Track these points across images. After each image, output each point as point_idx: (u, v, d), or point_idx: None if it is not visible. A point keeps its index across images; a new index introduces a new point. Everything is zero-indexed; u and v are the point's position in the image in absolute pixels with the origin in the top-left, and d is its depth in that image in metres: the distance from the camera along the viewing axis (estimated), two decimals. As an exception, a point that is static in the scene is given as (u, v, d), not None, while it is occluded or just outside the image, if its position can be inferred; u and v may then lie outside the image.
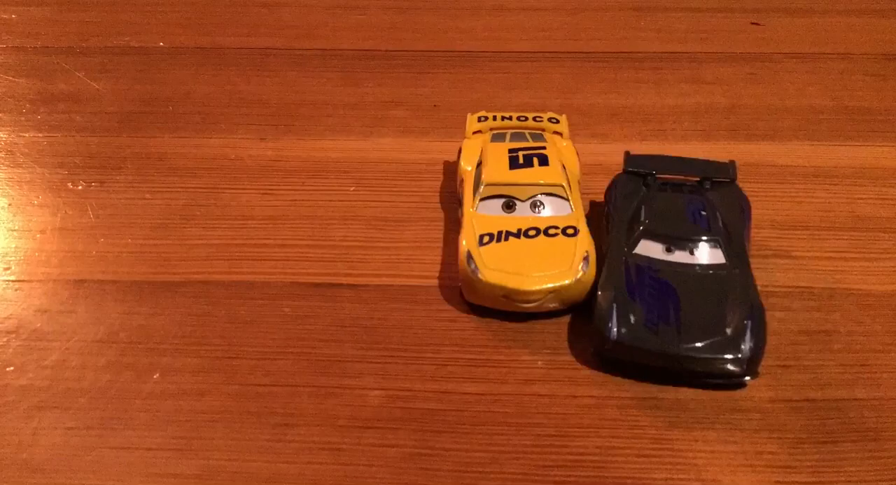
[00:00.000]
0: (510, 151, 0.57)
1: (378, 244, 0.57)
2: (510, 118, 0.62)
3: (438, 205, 0.62)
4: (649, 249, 0.50)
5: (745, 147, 0.68)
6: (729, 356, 0.44)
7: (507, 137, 0.60)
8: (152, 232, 0.59)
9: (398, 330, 0.51)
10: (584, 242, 0.51)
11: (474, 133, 0.62)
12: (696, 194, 0.54)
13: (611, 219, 0.54)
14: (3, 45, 0.88)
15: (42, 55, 0.86)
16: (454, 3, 0.95)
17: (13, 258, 0.57)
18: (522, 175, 0.54)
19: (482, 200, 0.53)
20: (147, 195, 0.63)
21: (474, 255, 0.50)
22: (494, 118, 0.62)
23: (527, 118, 0.62)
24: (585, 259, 0.50)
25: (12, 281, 0.55)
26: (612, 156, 0.67)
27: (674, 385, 0.46)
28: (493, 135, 0.60)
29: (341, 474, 0.42)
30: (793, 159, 0.67)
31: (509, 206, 0.53)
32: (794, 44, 0.86)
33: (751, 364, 0.45)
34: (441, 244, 0.58)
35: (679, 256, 0.49)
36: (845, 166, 0.66)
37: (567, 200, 0.53)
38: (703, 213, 0.52)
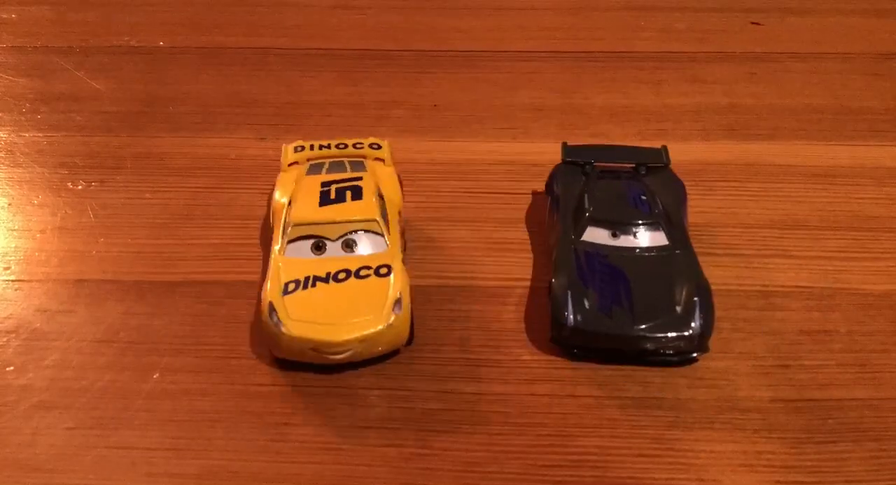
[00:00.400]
0: (323, 184, 0.52)
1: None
2: (328, 147, 0.58)
3: (437, 205, 0.62)
4: (596, 235, 0.52)
5: (744, 147, 0.68)
6: (681, 334, 0.46)
7: (325, 167, 0.55)
8: (152, 232, 0.59)
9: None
10: (398, 283, 0.47)
11: (290, 165, 0.57)
12: (633, 181, 0.56)
13: (555, 208, 0.55)
14: (4, 44, 0.88)
15: (42, 55, 0.86)
16: (454, 3, 0.95)
17: (13, 258, 0.57)
18: (332, 212, 0.50)
19: (291, 242, 0.49)
20: (147, 195, 0.63)
21: (277, 306, 0.46)
22: (312, 148, 0.58)
23: (346, 146, 0.58)
24: (398, 302, 0.46)
25: (12, 281, 0.55)
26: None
27: (628, 364, 0.48)
28: (311, 166, 0.56)
29: (341, 474, 0.42)
30: (792, 159, 0.67)
31: (319, 247, 0.49)
32: (794, 44, 0.86)
33: (701, 340, 0.47)
34: (441, 244, 0.58)
35: (624, 241, 0.51)
36: (845, 166, 0.66)
37: (382, 235, 0.50)
38: (643, 198, 0.54)
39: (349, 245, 0.49)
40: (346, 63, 0.83)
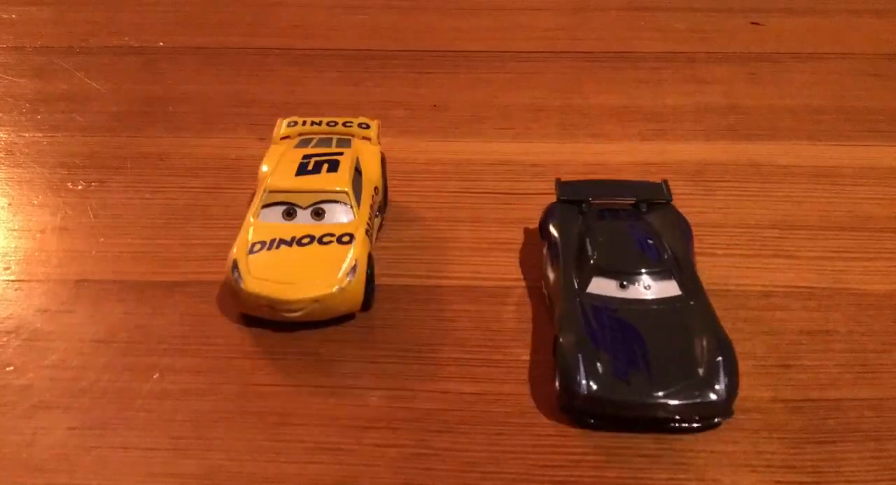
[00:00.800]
0: (304, 156, 0.55)
1: (378, 244, 0.57)
2: (320, 124, 0.60)
3: (438, 205, 0.62)
4: (602, 286, 0.47)
5: (744, 147, 0.68)
6: (706, 400, 0.42)
7: (313, 142, 0.58)
8: (152, 232, 0.59)
9: (398, 330, 0.51)
10: (358, 250, 0.49)
11: (282, 138, 0.60)
12: (635, 219, 0.53)
13: (553, 254, 0.51)
14: (4, 45, 0.88)
15: (42, 55, 0.86)
16: (454, 4, 0.95)
17: (13, 258, 0.57)
18: (305, 182, 0.53)
19: (265, 206, 0.52)
20: (147, 195, 0.63)
21: (240, 263, 0.49)
22: (304, 124, 0.60)
23: (336, 124, 0.60)
24: (353, 269, 0.49)
25: (12, 281, 0.55)
26: (611, 155, 0.68)
27: (645, 432, 0.44)
28: (300, 140, 0.58)
29: (341, 474, 0.42)
30: (793, 159, 0.67)
31: (290, 213, 0.51)
32: (794, 44, 0.86)
33: (727, 404, 0.43)
34: (440, 244, 0.58)
35: (634, 292, 0.47)
36: (845, 166, 0.66)
37: (350, 206, 0.52)
38: (650, 241, 0.49)
39: (318, 213, 0.52)
40: (346, 63, 0.83)
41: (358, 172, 0.55)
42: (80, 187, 0.64)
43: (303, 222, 0.51)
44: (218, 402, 0.46)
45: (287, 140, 0.59)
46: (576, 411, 0.44)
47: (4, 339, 0.50)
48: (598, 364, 0.43)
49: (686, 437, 0.44)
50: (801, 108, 0.75)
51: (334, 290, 0.48)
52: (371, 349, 0.49)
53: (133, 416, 0.45)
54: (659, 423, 0.43)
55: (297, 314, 0.48)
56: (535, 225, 0.59)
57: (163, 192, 0.64)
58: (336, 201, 0.52)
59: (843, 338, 0.50)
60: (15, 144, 0.71)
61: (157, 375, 0.48)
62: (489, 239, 0.58)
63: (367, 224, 0.52)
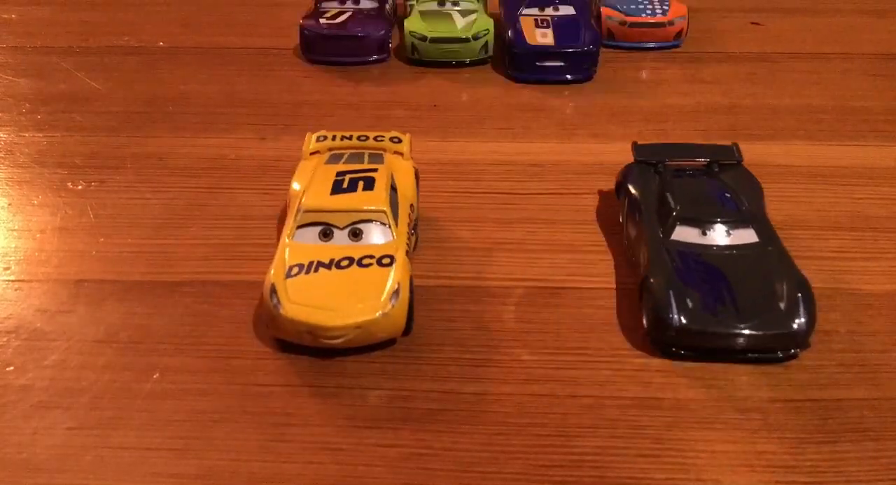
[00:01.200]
0: (338, 174, 0.53)
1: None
2: (350, 138, 0.59)
3: (437, 205, 0.62)
4: (686, 235, 0.51)
5: (744, 147, 0.68)
6: (787, 330, 0.47)
7: (344, 158, 0.56)
8: (152, 232, 0.59)
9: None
10: (399, 273, 0.48)
11: (312, 154, 0.58)
12: (712, 178, 0.56)
13: (634, 209, 0.55)
14: (3, 44, 0.89)
15: (42, 55, 0.86)
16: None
17: (13, 258, 0.57)
18: (342, 201, 0.51)
19: (300, 227, 0.50)
20: (147, 195, 0.63)
21: (278, 288, 0.47)
22: (334, 138, 0.59)
23: (367, 138, 0.59)
24: (396, 293, 0.47)
25: (12, 281, 0.55)
26: (611, 155, 0.68)
27: (727, 362, 0.48)
28: (331, 156, 0.57)
29: (341, 474, 0.42)
30: (792, 159, 0.67)
31: (326, 234, 0.50)
32: (794, 44, 0.86)
33: (805, 336, 0.47)
34: (440, 244, 0.58)
35: (715, 239, 0.51)
36: (845, 166, 0.66)
37: (389, 226, 0.50)
38: (728, 195, 0.54)
39: (356, 234, 0.50)
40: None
41: (393, 189, 0.53)
42: (80, 187, 0.64)
43: (340, 243, 0.49)
44: (218, 401, 0.46)
45: (317, 155, 0.58)
46: (666, 344, 0.48)
47: (4, 339, 0.50)
48: (688, 300, 0.48)
49: (685, 436, 0.44)
50: (800, 107, 0.75)
51: (377, 315, 0.46)
52: (371, 349, 0.49)
53: (133, 416, 0.45)
54: (744, 353, 0.47)
55: (338, 341, 0.46)
56: (534, 224, 0.59)
57: (163, 192, 0.64)
58: (374, 221, 0.50)
59: (843, 338, 0.50)
60: (15, 144, 0.71)
61: (157, 375, 0.48)
62: (489, 239, 0.58)
63: (406, 244, 0.51)
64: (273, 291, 0.47)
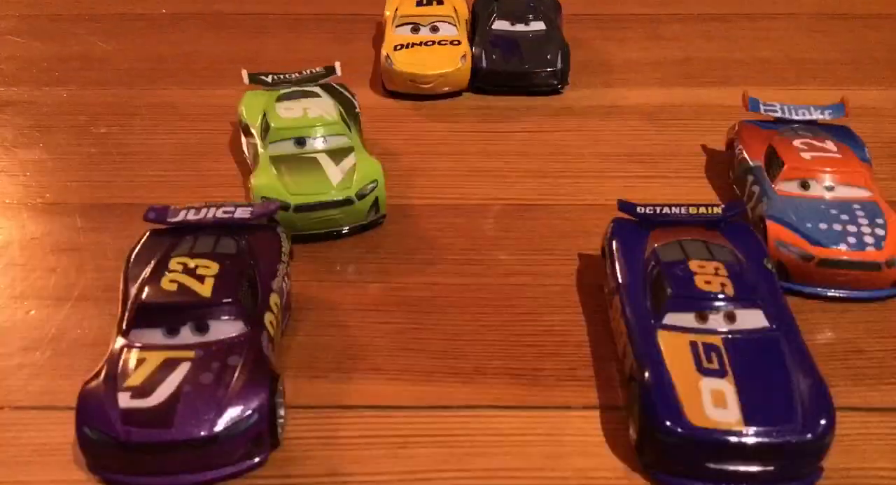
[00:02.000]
0: None
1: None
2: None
3: (428, 141, 0.69)
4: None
5: (697, 92, 0.77)
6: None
7: None
8: (170, 164, 0.66)
9: (394, 238, 0.58)
10: (465, 47, 0.75)
11: None
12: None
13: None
14: (16, 13, 0.95)
15: (53, 22, 0.93)
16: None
17: (48, 187, 0.64)
18: (425, 10, 0.78)
19: (398, 26, 0.77)
20: (163, 136, 0.70)
21: (391, 55, 0.74)
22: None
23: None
24: (464, 57, 0.74)
25: (49, 204, 0.62)
26: (577, 101, 0.76)
27: None
28: None
29: (347, 343, 0.50)
30: (739, 101, 0.74)
31: (415, 29, 0.77)
32: (746, 5, 0.94)
33: None
34: (429, 172, 0.65)
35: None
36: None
37: (455, 26, 0.77)
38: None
39: (434, 29, 0.77)
40: (337, 26, 0.90)
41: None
42: (102, 130, 0.71)
43: (425, 35, 0.76)
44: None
45: None
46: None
47: (48, 249, 0.57)
48: None
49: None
50: (750, 60, 0.83)
51: (453, 69, 0.73)
52: (372, 253, 0.57)
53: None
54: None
55: (429, 85, 0.73)
56: (509, 157, 0.67)
57: (177, 133, 0.71)
58: (447, 22, 0.77)
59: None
60: (37, 96, 0.77)
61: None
62: (471, 168, 0.66)
63: (467, 31, 0.77)
64: (388, 57, 0.74)
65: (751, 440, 0.39)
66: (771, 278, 0.48)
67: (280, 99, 0.64)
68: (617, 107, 0.74)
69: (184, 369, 0.41)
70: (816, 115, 0.63)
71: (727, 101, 0.75)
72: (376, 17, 0.91)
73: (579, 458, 0.43)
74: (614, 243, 0.51)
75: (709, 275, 0.45)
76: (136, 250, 0.49)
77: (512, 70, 0.74)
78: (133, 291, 0.45)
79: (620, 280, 0.48)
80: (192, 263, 0.46)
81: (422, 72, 0.73)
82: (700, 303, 0.44)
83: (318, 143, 0.59)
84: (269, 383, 0.42)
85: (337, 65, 0.69)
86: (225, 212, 0.50)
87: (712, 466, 0.40)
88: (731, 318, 0.44)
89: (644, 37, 0.87)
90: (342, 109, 0.63)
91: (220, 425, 0.40)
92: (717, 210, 0.51)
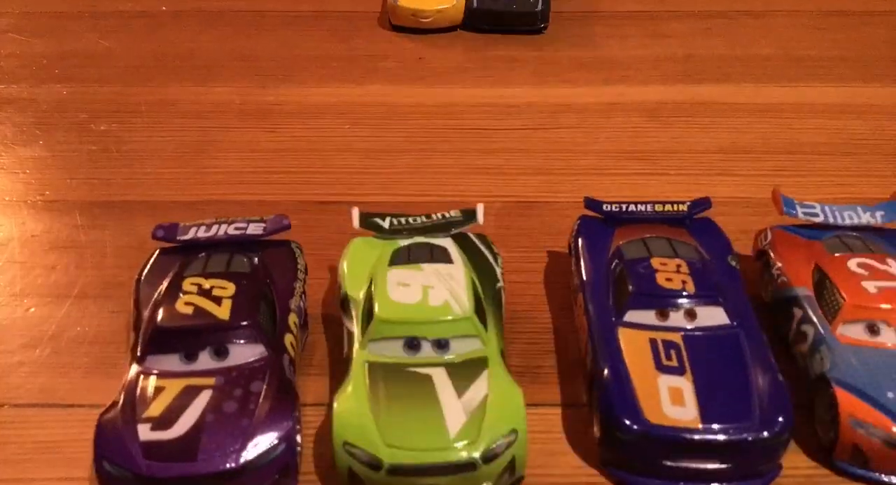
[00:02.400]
0: None
1: (372, 170, 0.65)
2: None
3: (427, 139, 0.69)
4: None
5: (697, 89, 0.76)
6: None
7: None
8: (170, 161, 0.66)
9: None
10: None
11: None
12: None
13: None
14: (16, 10, 0.95)
15: (53, 19, 0.92)
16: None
17: (48, 184, 0.64)
18: None
19: None
20: (163, 133, 0.70)
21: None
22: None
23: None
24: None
25: (50, 201, 0.62)
26: (579, 97, 0.76)
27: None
28: None
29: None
30: (739, 98, 0.75)
31: None
32: (747, 2, 0.94)
33: None
34: (430, 170, 0.65)
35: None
36: (788, 103, 0.74)
37: None
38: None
39: None
40: (336, 23, 0.90)
41: None
42: (102, 128, 0.71)
43: None
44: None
45: None
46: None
47: (48, 248, 0.57)
48: None
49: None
50: (750, 57, 0.83)
51: (451, 5, 0.81)
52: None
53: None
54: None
55: (429, 20, 0.82)
56: (509, 153, 0.67)
57: (177, 130, 0.71)
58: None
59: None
60: (37, 93, 0.77)
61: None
62: (471, 165, 0.66)
63: None
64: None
65: (707, 438, 0.39)
66: (734, 275, 0.47)
67: (395, 261, 0.46)
68: (617, 104, 0.74)
69: (205, 397, 0.39)
70: (867, 219, 0.50)
71: (728, 98, 0.75)
72: (375, 13, 0.92)
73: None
74: (580, 241, 0.50)
75: (670, 272, 0.45)
76: (146, 271, 0.47)
77: (500, 9, 0.84)
78: (146, 314, 0.43)
79: (584, 277, 0.47)
80: (206, 284, 0.43)
81: (422, 7, 0.82)
82: (660, 300, 0.44)
83: (437, 348, 0.41)
84: (294, 409, 0.40)
85: (479, 208, 0.50)
86: (237, 228, 0.48)
87: (670, 463, 0.40)
88: (691, 315, 0.44)
89: (644, 34, 0.87)
90: (479, 285, 0.45)
91: (247, 457, 0.38)
92: (683, 207, 0.51)
